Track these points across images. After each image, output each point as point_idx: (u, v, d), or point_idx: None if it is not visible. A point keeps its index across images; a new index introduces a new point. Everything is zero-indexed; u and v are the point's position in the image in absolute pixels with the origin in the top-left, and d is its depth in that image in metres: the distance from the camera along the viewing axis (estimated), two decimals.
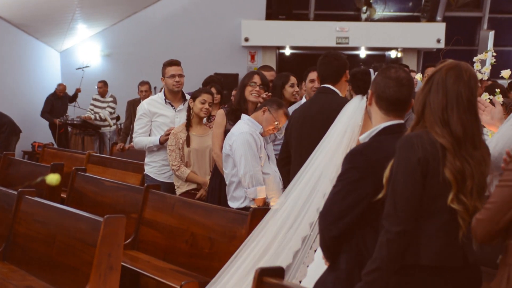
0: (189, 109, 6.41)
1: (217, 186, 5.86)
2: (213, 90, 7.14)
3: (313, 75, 6.61)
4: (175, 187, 6.39)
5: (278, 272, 3.14)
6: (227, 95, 10.19)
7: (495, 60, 4.99)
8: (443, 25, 16.81)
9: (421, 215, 2.85)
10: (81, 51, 16.55)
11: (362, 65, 4.93)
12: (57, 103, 14.54)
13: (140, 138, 6.73)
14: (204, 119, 6.49)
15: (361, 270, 2.93)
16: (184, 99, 6.83)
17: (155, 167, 6.74)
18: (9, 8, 13.55)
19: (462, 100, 2.88)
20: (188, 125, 6.38)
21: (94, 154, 9.19)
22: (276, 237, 4.15)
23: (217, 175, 5.89)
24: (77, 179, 7.22)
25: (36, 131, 14.88)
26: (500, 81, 7.62)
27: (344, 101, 4.42)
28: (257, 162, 5.29)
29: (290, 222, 4.10)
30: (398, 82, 3.17)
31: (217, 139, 5.92)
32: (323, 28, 16.85)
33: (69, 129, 14.36)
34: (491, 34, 14.97)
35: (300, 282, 3.95)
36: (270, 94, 6.06)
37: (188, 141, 6.29)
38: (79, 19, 15.29)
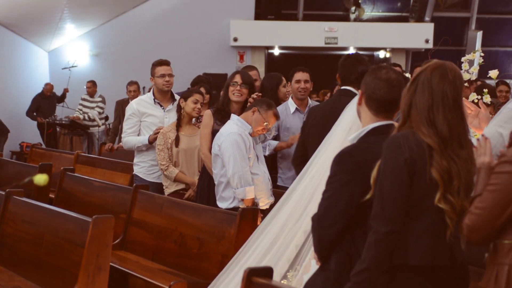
0: (179, 109, 6.40)
1: (206, 186, 5.85)
2: (202, 90, 7.13)
3: (299, 75, 6.60)
4: (164, 187, 6.38)
5: (266, 272, 3.14)
6: (216, 95, 10.18)
7: (483, 60, 5.01)
8: (431, 26, 16.86)
9: (409, 215, 2.86)
10: (70, 51, 16.50)
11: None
12: (44, 102, 14.49)
13: (129, 138, 6.72)
14: (193, 119, 6.49)
15: (350, 271, 2.93)
16: (173, 99, 6.83)
17: (144, 167, 6.73)
18: None
19: (447, 99, 2.88)
20: (178, 125, 6.37)
21: (83, 154, 9.17)
22: (281, 233, 4.13)
23: (205, 175, 5.89)
24: (66, 179, 7.20)
25: (24, 131, 14.83)
26: (488, 81, 7.66)
27: None
28: (246, 163, 5.29)
29: (295, 219, 4.08)
30: (388, 84, 3.18)
31: (204, 140, 5.92)
32: (312, 28, 16.86)
33: (58, 129, 14.31)
34: (479, 34, 15.04)
35: None
36: (260, 94, 6.06)
37: (177, 141, 6.29)
38: (68, 19, 15.25)
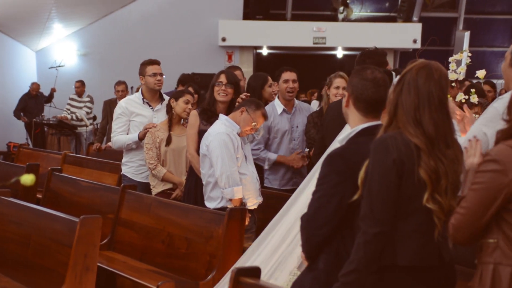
0: (170, 109, 6.39)
1: (193, 186, 5.84)
2: (191, 89, 7.13)
3: (286, 75, 6.58)
4: (151, 187, 6.37)
5: (254, 272, 3.14)
6: (204, 95, 10.18)
7: (470, 60, 5.02)
8: (419, 26, 16.92)
9: (397, 216, 2.86)
10: (57, 51, 16.45)
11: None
12: (31, 102, 14.44)
13: (119, 136, 6.69)
14: (182, 119, 6.48)
15: (339, 271, 2.93)
16: (162, 99, 6.81)
17: (132, 167, 6.71)
18: None
19: (433, 99, 2.89)
20: (170, 124, 6.37)
21: (70, 154, 9.14)
22: (291, 231, 4.15)
23: (193, 175, 5.88)
24: (53, 180, 7.18)
25: (12, 131, 14.78)
26: (475, 81, 7.69)
27: None
28: (234, 163, 5.29)
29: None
30: (375, 83, 3.19)
31: (191, 140, 5.92)
32: (300, 28, 16.89)
33: (45, 129, 14.26)
34: (467, 34, 15.10)
35: None
36: (248, 94, 6.05)
37: (169, 140, 6.28)
38: (55, 19, 15.20)
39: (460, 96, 4.83)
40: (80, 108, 13.59)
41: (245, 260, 4.35)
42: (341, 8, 17.43)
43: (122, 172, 6.84)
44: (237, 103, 5.81)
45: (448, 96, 4.51)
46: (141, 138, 6.47)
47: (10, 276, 5.05)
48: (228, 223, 4.96)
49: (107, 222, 5.84)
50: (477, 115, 4.20)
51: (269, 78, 6.85)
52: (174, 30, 16.50)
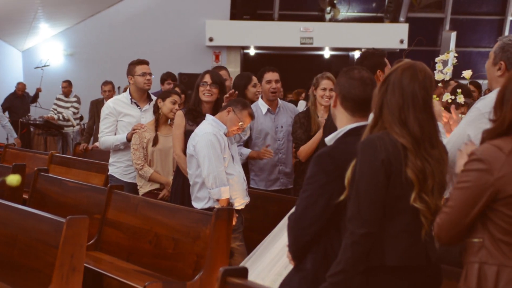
0: (157, 109, 6.39)
1: (180, 186, 5.84)
2: (177, 90, 7.12)
3: (269, 75, 6.58)
4: (138, 187, 6.36)
5: (241, 272, 3.14)
6: (191, 95, 10.18)
7: (456, 60, 5.04)
8: (406, 26, 16.98)
9: (385, 216, 2.86)
10: (44, 51, 16.38)
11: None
12: (17, 102, 14.37)
13: (106, 137, 6.67)
14: (169, 120, 6.48)
15: (327, 270, 2.93)
16: (150, 99, 6.80)
17: (120, 168, 6.69)
18: None
19: (417, 99, 2.90)
20: (157, 125, 6.36)
21: (57, 154, 9.10)
22: None
23: (180, 176, 5.88)
24: (39, 180, 7.14)
25: None
26: (461, 82, 7.72)
27: None
28: (221, 163, 5.28)
29: None
30: (362, 82, 3.21)
31: (177, 140, 5.91)
32: (288, 28, 16.91)
33: (32, 129, 14.20)
34: (453, 35, 15.17)
35: None
36: (233, 91, 6.04)
37: (156, 140, 6.27)
38: (42, 18, 15.14)
39: (447, 97, 4.85)
40: (67, 108, 13.53)
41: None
42: (328, 9, 17.46)
43: (109, 173, 6.83)
44: (223, 103, 5.81)
45: (435, 97, 4.55)
46: (130, 139, 6.46)
47: None
48: (215, 223, 4.95)
49: (94, 222, 5.82)
50: (463, 116, 4.22)
51: (254, 77, 6.82)
52: (161, 30, 16.48)
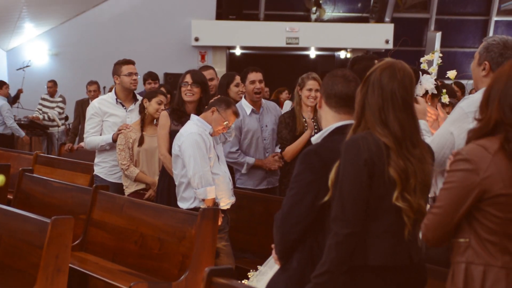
0: (143, 109, 6.37)
1: (166, 187, 5.83)
2: (163, 89, 7.11)
3: (252, 76, 6.55)
4: (124, 187, 6.34)
5: (227, 273, 3.14)
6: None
7: (441, 60, 5.06)
8: (391, 26, 17.03)
9: (368, 216, 2.87)
10: (28, 50, 16.31)
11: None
12: None
13: (92, 137, 6.65)
14: (155, 120, 6.46)
15: (313, 270, 2.94)
16: (135, 99, 6.79)
17: (105, 168, 6.67)
18: None
19: (396, 99, 2.90)
20: (143, 125, 6.34)
21: (42, 154, 9.07)
22: None
23: (165, 176, 5.87)
24: (24, 180, 7.11)
25: None
26: (446, 82, 7.75)
27: None
28: (206, 163, 5.28)
29: None
30: (345, 79, 3.24)
31: (162, 141, 5.91)
32: (273, 28, 16.91)
33: None
34: (438, 35, 15.23)
35: None
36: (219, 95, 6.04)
37: (141, 140, 6.26)
38: (26, 18, 15.07)
39: (444, 99, 4.87)
40: (52, 108, 13.48)
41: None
42: (314, 9, 17.48)
43: (94, 173, 6.80)
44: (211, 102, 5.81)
45: (422, 96, 4.56)
46: (115, 139, 6.44)
47: None
48: (201, 223, 4.95)
49: (79, 222, 5.81)
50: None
51: (237, 77, 6.79)
52: (147, 30, 16.44)
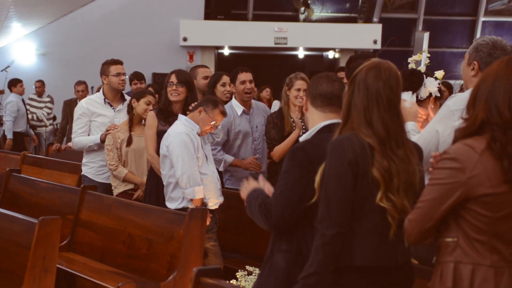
0: (131, 109, 6.36)
1: (154, 187, 5.83)
2: (151, 89, 7.10)
3: (243, 76, 6.54)
4: (112, 187, 6.33)
5: (215, 273, 3.13)
6: None
7: (429, 61, 5.08)
8: (379, 26, 17.07)
9: (354, 217, 2.87)
10: (16, 50, 16.24)
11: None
12: None
13: (80, 138, 6.64)
14: (143, 120, 6.45)
15: (301, 269, 2.95)
16: (123, 99, 6.77)
17: (93, 168, 6.66)
18: None
19: (381, 99, 2.91)
20: (131, 125, 6.33)
21: (29, 154, 9.03)
22: None
23: (153, 176, 5.86)
24: (12, 181, 7.08)
25: None
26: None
27: None
28: (195, 163, 5.28)
29: None
30: (329, 79, 3.28)
31: (150, 141, 5.90)
32: (262, 28, 16.92)
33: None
34: (426, 35, 15.26)
35: None
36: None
37: (129, 141, 6.24)
38: (14, 17, 14.99)
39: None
40: (41, 108, 13.44)
41: None
42: (302, 9, 17.50)
43: (82, 173, 6.79)
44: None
45: (426, 99, 4.59)
46: (103, 140, 6.43)
47: None
48: (189, 223, 4.94)
49: (66, 223, 5.79)
50: None
51: (224, 77, 6.74)
52: (135, 29, 16.41)
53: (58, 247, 4.55)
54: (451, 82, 9.79)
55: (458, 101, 3.80)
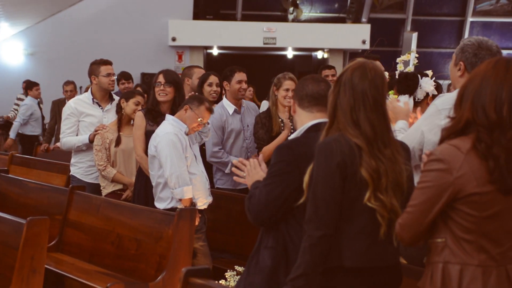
0: (120, 109, 6.34)
1: (143, 187, 5.82)
2: (139, 89, 7.09)
3: (240, 76, 6.54)
4: (101, 188, 6.31)
5: (204, 273, 3.13)
6: None
7: (417, 61, 5.10)
8: (368, 27, 17.08)
9: (342, 218, 2.88)
10: (4, 50, 16.17)
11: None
12: None
13: (68, 138, 6.62)
14: (132, 120, 6.44)
15: (287, 267, 2.95)
16: (112, 99, 6.76)
17: (82, 168, 6.64)
18: None
19: (367, 99, 2.92)
20: (120, 125, 6.32)
21: (17, 155, 9.00)
22: None
23: (142, 177, 5.86)
24: None
25: None
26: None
27: None
28: (183, 162, 5.28)
29: None
30: (314, 80, 3.32)
31: (138, 141, 5.89)
32: (251, 28, 16.90)
33: None
34: (414, 35, 15.30)
35: None
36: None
37: (118, 141, 6.23)
38: (1, 17, 14.93)
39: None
40: None
41: None
42: (291, 9, 17.50)
43: (71, 173, 6.77)
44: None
45: (423, 99, 4.62)
46: (92, 140, 6.41)
47: None
48: (178, 223, 4.94)
49: (55, 223, 5.78)
50: None
51: (211, 77, 6.71)
52: (124, 29, 16.36)
53: (46, 247, 4.55)
54: (439, 82, 9.80)
55: (446, 101, 3.85)
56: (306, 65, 18.30)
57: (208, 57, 17.75)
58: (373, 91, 2.92)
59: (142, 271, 5.14)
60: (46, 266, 4.65)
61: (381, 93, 2.95)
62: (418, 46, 15.39)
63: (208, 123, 5.78)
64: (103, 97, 6.73)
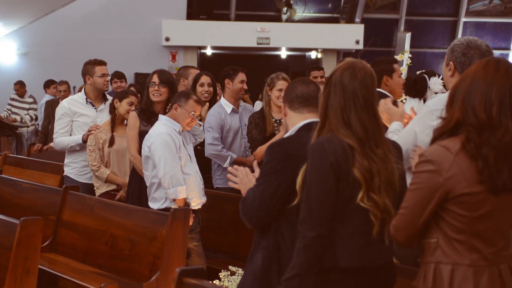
0: (113, 109, 6.34)
1: (137, 187, 5.81)
2: (133, 89, 7.09)
3: (242, 75, 6.58)
4: (95, 188, 6.31)
5: (198, 273, 3.13)
6: None
7: (411, 61, 5.12)
8: (361, 27, 17.09)
9: (336, 218, 2.89)
10: None
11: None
12: None
13: (62, 138, 6.61)
14: (125, 120, 6.44)
15: (279, 266, 2.96)
16: (105, 99, 6.76)
17: (75, 168, 6.64)
18: None
19: (358, 99, 2.93)
20: (113, 125, 6.31)
21: (11, 155, 8.99)
22: None
23: (136, 177, 5.85)
24: None
25: None
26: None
27: None
28: (177, 162, 5.28)
29: None
30: (303, 82, 3.35)
31: (132, 141, 5.89)
32: (244, 28, 16.90)
33: None
34: (408, 36, 15.31)
35: None
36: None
37: (112, 141, 6.23)
38: None
39: (402, 96, 4.92)
40: (25, 109, 13.40)
41: None
42: (285, 9, 17.50)
43: (64, 173, 6.76)
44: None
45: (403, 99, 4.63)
46: (85, 140, 6.41)
47: None
48: (172, 223, 4.94)
49: (48, 223, 5.77)
50: None
51: (202, 77, 6.74)
52: (117, 29, 16.33)
53: (40, 247, 4.54)
54: None
55: (438, 101, 3.87)
56: (299, 65, 18.30)
57: (202, 57, 17.74)
58: (363, 91, 2.93)
59: (136, 271, 5.14)
60: (39, 266, 4.64)
61: (371, 93, 2.96)
62: (411, 46, 15.40)
63: (200, 125, 5.80)
64: (97, 97, 6.73)
